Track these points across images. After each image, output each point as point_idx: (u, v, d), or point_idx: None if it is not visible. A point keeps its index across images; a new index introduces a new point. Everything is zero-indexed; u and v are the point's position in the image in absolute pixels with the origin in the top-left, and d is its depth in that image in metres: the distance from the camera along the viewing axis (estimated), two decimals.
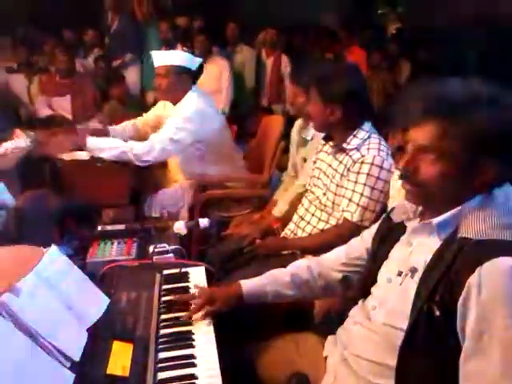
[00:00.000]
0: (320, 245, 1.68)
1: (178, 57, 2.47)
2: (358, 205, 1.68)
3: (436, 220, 0.99)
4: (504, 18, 4.88)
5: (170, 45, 4.15)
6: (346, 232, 1.66)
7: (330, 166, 1.78)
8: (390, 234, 1.16)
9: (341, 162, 1.74)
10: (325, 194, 1.78)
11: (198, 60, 2.58)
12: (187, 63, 2.46)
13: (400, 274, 1.05)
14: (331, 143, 1.80)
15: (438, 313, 0.91)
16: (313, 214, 1.83)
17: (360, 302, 1.18)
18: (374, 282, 1.15)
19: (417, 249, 1.05)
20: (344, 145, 1.72)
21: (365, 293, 1.17)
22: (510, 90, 0.96)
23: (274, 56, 4.72)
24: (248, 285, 1.31)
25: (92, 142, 2.35)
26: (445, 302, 0.91)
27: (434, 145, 0.96)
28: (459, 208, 0.97)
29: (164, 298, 1.31)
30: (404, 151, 1.02)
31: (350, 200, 1.69)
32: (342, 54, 5.08)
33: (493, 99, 0.94)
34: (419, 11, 6.23)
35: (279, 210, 2.12)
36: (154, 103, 3.94)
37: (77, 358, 0.98)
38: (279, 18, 5.50)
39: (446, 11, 5.57)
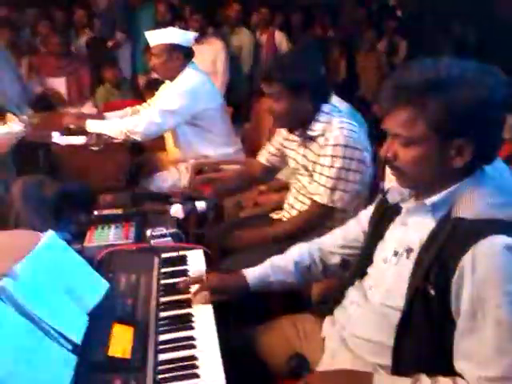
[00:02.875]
0: (292, 230, 1.72)
1: (170, 34, 2.47)
2: (325, 186, 1.67)
3: (429, 200, 1.01)
4: None
5: (165, 25, 4.09)
6: (316, 215, 1.70)
7: (304, 156, 1.78)
8: (385, 215, 1.17)
9: (311, 150, 1.74)
10: (310, 183, 1.78)
11: (192, 35, 2.57)
12: (180, 40, 2.45)
13: (396, 254, 1.07)
14: (297, 133, 1.78)
15: (432, 292, 0.93)
16: (302, 202, 1.83)
17: (357, 282, 1.19)
18: (370, 262, 1.17)
19: (412, 229, 1.06)
20: (309, 132, 1.71)
21: (361, 273, 1.19)
22: (488, 66, 0.97)
23: (268, 34, 4.68)
24: (253, 276, 1.30)
25: (90, 124, 2.39)
26: (439, 281, 0.92)
27: (403, 132, 0.98)
28: (453, 188, 0.98)
29: (163, 282, 1.32)
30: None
31: (319, 183, 1.69)
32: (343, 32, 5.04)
33: (455, 79, 0.94)
34: None
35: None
36: (147, 86, 3.92)
37: (78, 341, 0.99)
38: None
39: None
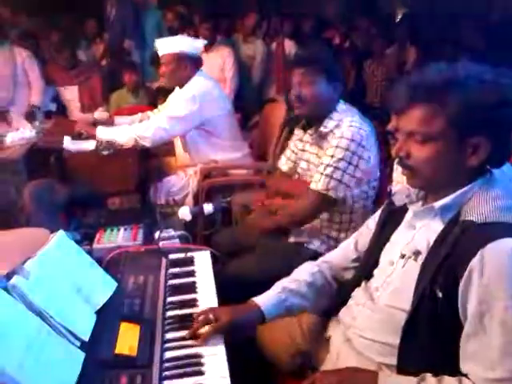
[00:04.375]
0: (291, 218, 1.76)
1: (179, 43, 2.51)
2: (322, 174, 1.68)
3: (438, 204, 1.00)
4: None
5: (174, 33, 4.15)
6: (311, 200, 1.70)
7: (316, 154, 1.80)
8: (392, 217, 1.17)
9: (321, 148, 1.76)
10: None
11: (200, 43, 2.61)
12: (188, 49, 2.49)
13: (403, 256, 1.07)
14: (310, 131, 1.81)
15: (440, 295, 0.93)
16: None
17: (363, 284, 1.19)
18: (376, 264, 1.17)
19: (420, 232, 1.06)
20: (322, 128, 1.73)
21: (367, 274, 1.19)
22: (503, 70, 0.97)
23: (277, 42, 4.71)
24: (268, 304, 1.19)
25: (101, 130, 2.43)
26: (447, 284, 0.92)
27: (420, 129, 0.98)
28: (461, 191, 0.98)
29: (170, 282, 1.34)
30: (394, 136, 1.03)
31: (318, 171, 1.71)
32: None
33: (473, 79, 0.95)
34: None
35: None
36: (159, 93, 3.96)
37: (86, 338, 1.01)
38: (285, 5, 5.50)
39: None
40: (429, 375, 0.93)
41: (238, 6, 5.34)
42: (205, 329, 1.10)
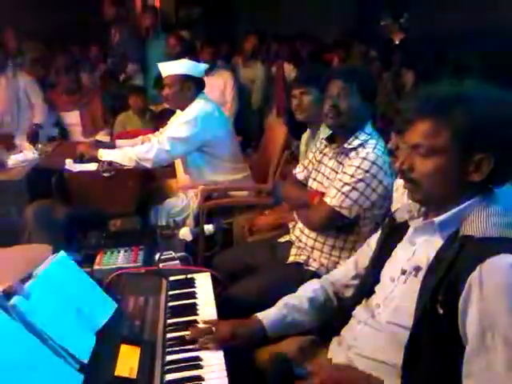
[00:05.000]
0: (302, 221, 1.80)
1: (182, 66, 2.55)
2: (339, 191, 1.68)
3: (438, 219, 1.01)
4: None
5: (175, 58, 4.22)
6: (321, 213, 1.71)
7: (333, 170, 1.80)
8: (393, 234, 1.17)
9: (341, 164, 1.76)
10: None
11: (203, 66, 2.65)
12: (191, 71, 2.53)
13: (404, 272, 1.07)
14: (334, 145, 1.82)
15: (441, 311, 0.92)
16: None
17: (364, 301, 1.19)
18: (377, 281, 1.16)
19: (420, 248, 1.06)
20: (345, 145, 1.74)
21: (368, 291, 1.18)
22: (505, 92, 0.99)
23: (277, 65, 4.79)
24: (268, 319, 1.23)
25: (102, 152, 2.46)
26: (448, 300, 0.92)
27: (425, 142, 0.99)
28: (461, 207, 0.99)
29: (170, 304, 1.33)
30: (394, 154, 1.05)
31: (335, 187, 1.71)
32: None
33: (481, 96, 0.97)
34: (420, 22, 6.29)
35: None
36: (160, 116, 4.00)
37: (85, 360, 0.99)
38: (282, 29, 5.60)
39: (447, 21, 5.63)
40: None
41: (237, 30, 5.45)
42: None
